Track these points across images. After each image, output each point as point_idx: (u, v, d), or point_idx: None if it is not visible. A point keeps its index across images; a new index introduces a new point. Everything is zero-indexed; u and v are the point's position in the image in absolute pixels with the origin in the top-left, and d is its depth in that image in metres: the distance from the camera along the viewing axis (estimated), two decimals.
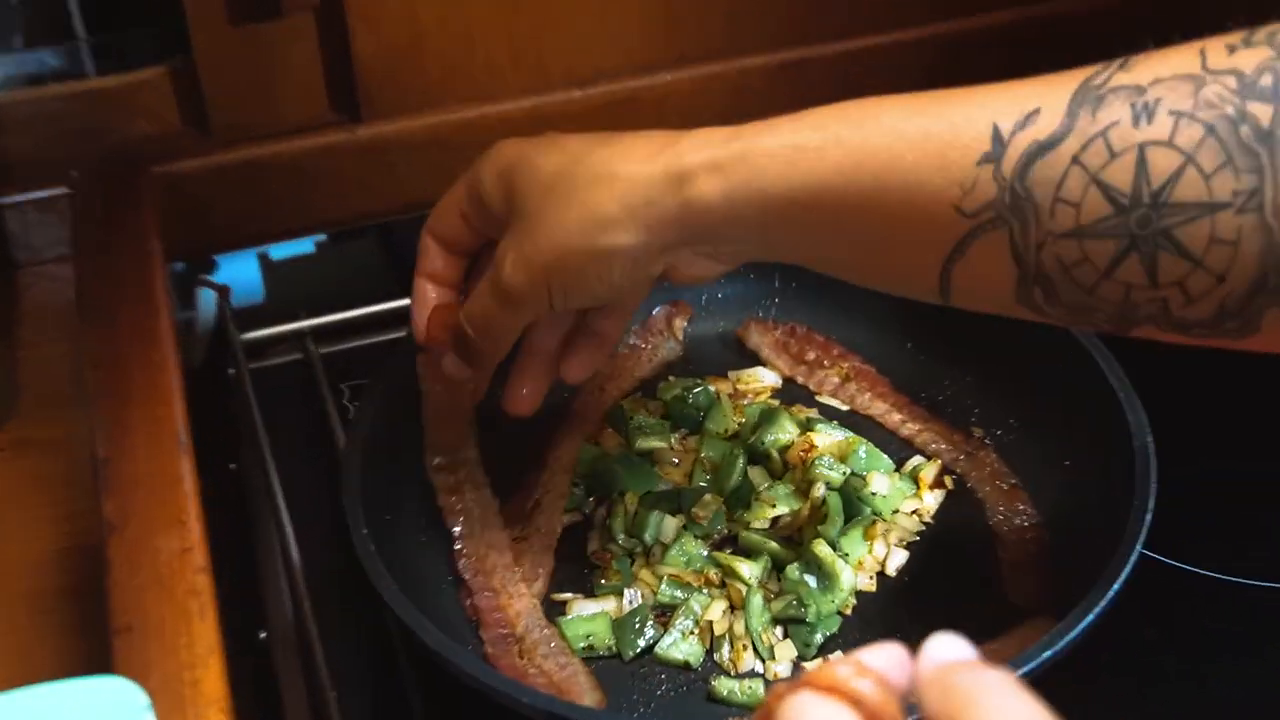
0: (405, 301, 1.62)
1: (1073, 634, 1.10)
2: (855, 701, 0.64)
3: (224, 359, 1.61)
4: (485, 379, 1.22)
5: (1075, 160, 0.88)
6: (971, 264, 0.96)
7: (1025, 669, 1.07)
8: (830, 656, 1.23)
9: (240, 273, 1.77)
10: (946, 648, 0.68)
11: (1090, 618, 1.11)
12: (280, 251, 1.79)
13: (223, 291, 1.70)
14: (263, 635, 1.35)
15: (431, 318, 1.22)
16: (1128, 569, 1.14)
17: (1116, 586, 1.13)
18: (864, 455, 1.37)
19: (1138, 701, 1.24)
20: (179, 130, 1.60)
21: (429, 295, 1.20)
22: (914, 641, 1.19)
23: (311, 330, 1.63)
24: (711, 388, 1.48)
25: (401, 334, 1.45)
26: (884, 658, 0.67)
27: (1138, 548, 1.16)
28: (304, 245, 1.80)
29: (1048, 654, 1.08)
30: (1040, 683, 1.07)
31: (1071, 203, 0.89)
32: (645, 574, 1.31)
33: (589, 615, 1.27)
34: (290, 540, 1.36)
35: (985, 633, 1.24)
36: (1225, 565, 1.31)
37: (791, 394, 1.51)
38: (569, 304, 1.10)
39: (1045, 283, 0.93)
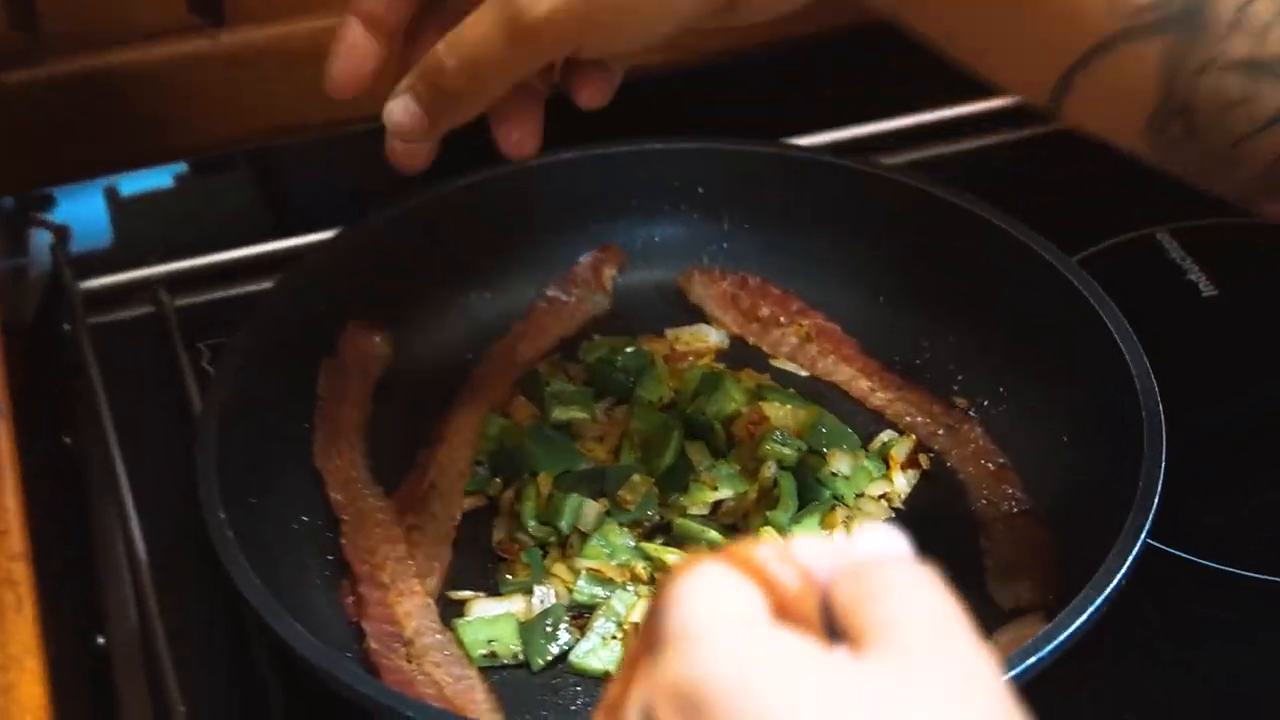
0: (281, 243, 1.66)
1: (1065, 635, 1.11)
2: (768, 586, 0.64)
3: (59, 312, 1.61)
4: (436, 138, 1.13)
5: None
6: (1106, 73, 0.91)
7: (1007, 675, 1.08)
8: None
9: (83, 211, 1.76)
10: (877, 540, 0.67)
11: (1085, 616, 1.12)
12: (131, 185, 1.79)
13: (59, 233, 1.69)
14: (100, 640, 1.35)
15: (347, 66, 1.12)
16: (1129, 562, 1.16)
17: (1116, 581, 1.15)
18: (824, 429, 1.38)
19: (1131, 696, 1.27)
20: (2, 35, 1.59)
21: (358, 41, 1.09)
22: None
23: (165, 278, 1.63)
24: (644, 348, 1.48)
25: (272, 282, 1.46)
26: (817, 551, 0.66)
27: (1142, 538, 1.18)
28: (159, 178, 1.80)
29: (1033, 659, 1.10)
30: (1027, 688, 1.10)
31: (1256, 26, 0.85)
32: (560, 568, 1.31)
33: (491, 617, 1.28)
34: (134, 527, 1.36)
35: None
36: (1229, 556, 1.34)
37: (741, 357, 1.52)
38: (613, 47, 1.03)
39: (1188, 118, 0.90)
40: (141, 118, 1.64)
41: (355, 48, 1.09)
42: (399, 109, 1.07)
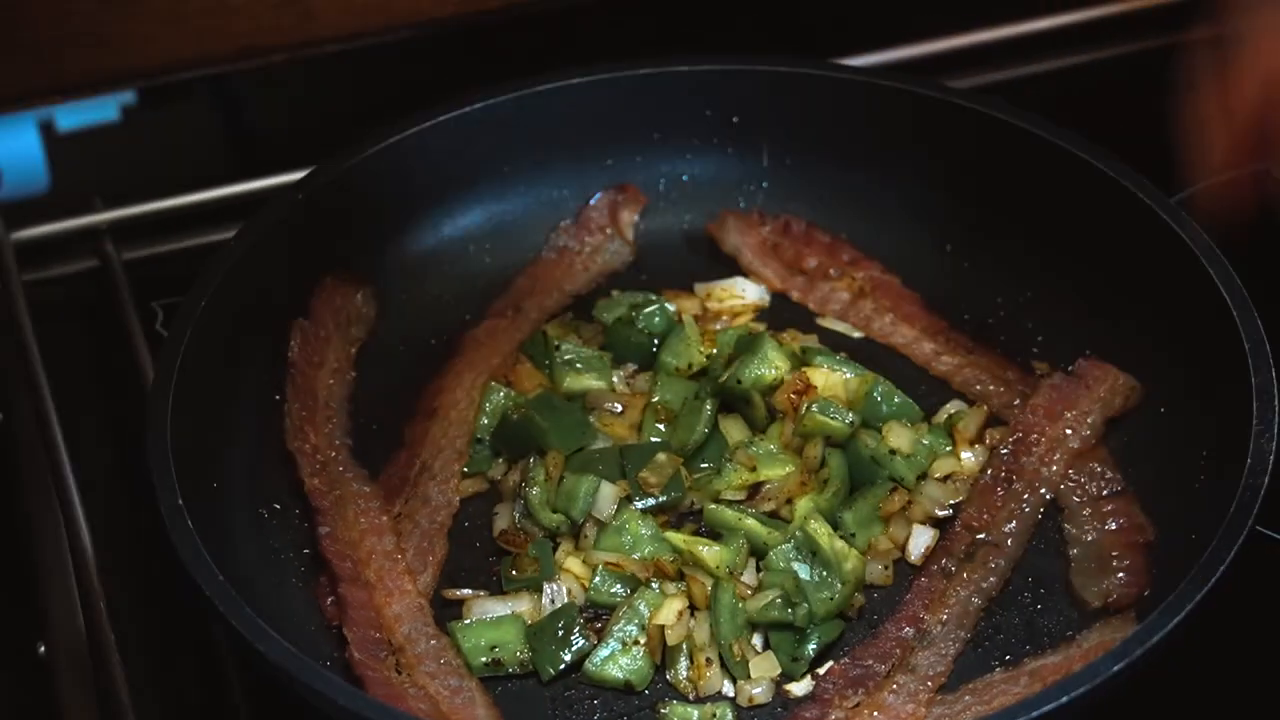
0: (245, 185, 1.67)
1: (1160, 635, 1.13)
2: None
3: None
4: None
5: None
6: None
7: (1084, 686, 1.10)
8: (823, 670, 1.26)
9: (15, 149, 1.77)
10: None
11: (1183, 615, 1.14)
12: (71, 118, 1.80)
13: None
14: (41, 649, 1.37)
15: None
16: (1234, 551, 1.17)
17: (1219, 574, 1.16)
18: (880, 399, 1.39)
19: (1235, 704, 1.29)
20: None
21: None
22: (947, 659, 1.24)
23: (111, 226, 1.65)
24: (670, 306, 1.49)
25: (234, 231, 1.47)
26: None
27: (1249, 524, 1.19)
28: (104, 109, 1.81)
29: (1123, 664, 1.11)
30: (1119, 695, 1.12)
31: None
32: (573, 562, 1.33)
33: (494, 619, 1.29)
34: (78, 517, 1.38)
35: (1039, 641, 1.28)
36: None
37: (784, 315, 1.53)
38: None
39: None
40: (81, 29, 1.65)
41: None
42: None
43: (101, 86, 1.75)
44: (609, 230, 1.58)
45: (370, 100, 1.85)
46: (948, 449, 1.40)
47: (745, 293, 1.54)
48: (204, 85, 1.83)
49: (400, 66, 1.89)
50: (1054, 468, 1.37)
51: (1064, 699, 1.10)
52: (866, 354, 1.49)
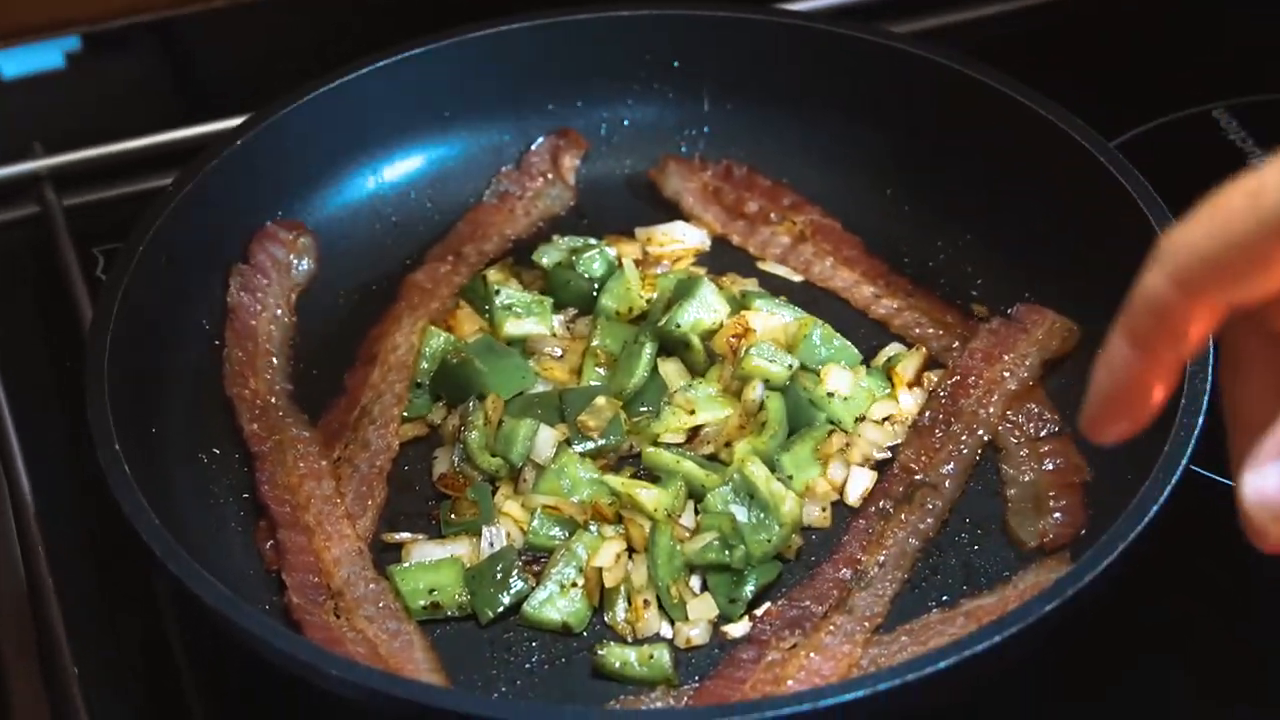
0: (186, 131, 1.66)
1: (1094, 574, 1.13)
2: None
3: None
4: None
5: None
6: None
7: (1016, 627, 1.10)
8: (760, 612, 1.26)
9: None
10: None
11: (1117, 554, 1.14)
12: (15, 64, 1.79)
13: None
14: None
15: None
16: (1168, 491, 1.17)
17: (1152, 514, 1.16)
18: (818, 342, 1.39)
19: (1172, 644, 1.30)
20: None
21: (1128, 368, 0.94)
22: (884, 600, 1.24)
23: (51, 173, 1.64)
24: (611, 250, 1.49)
25: (171, 177, 1.46)
26: None
27: (1183, 463, 1.19)
28: (48, 55, 1.79)
29: (1057, 603, 1.11)
30: (1048, 635, 1.12)
31: None
32: (512, 506, 1.33)
33: (433, 562, 1.29)
34: (18, 466, 1.38)
35: (976, 582, 1.28)
36: None
37: (723, 259, 1.53)
38: None
39: None
40: None
41: (1123, 382, 0.95)
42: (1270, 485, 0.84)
43: (42, 32, 1.74)
44: (550, 175, 1.58)
45: (316, 46, 1.83)
46: (886, 392, 1.40)
47: (685, 237, 1.54)
48: (149, 32, 1.81)
49: (349, 12, 1.88)
50: (992, 410, 1.37)
51: (996, 638, 1.10)
52: (806, 298, 1.48)
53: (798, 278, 1.51)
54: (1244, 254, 0.81)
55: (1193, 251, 0.83)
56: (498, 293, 1.45)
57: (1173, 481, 1.18)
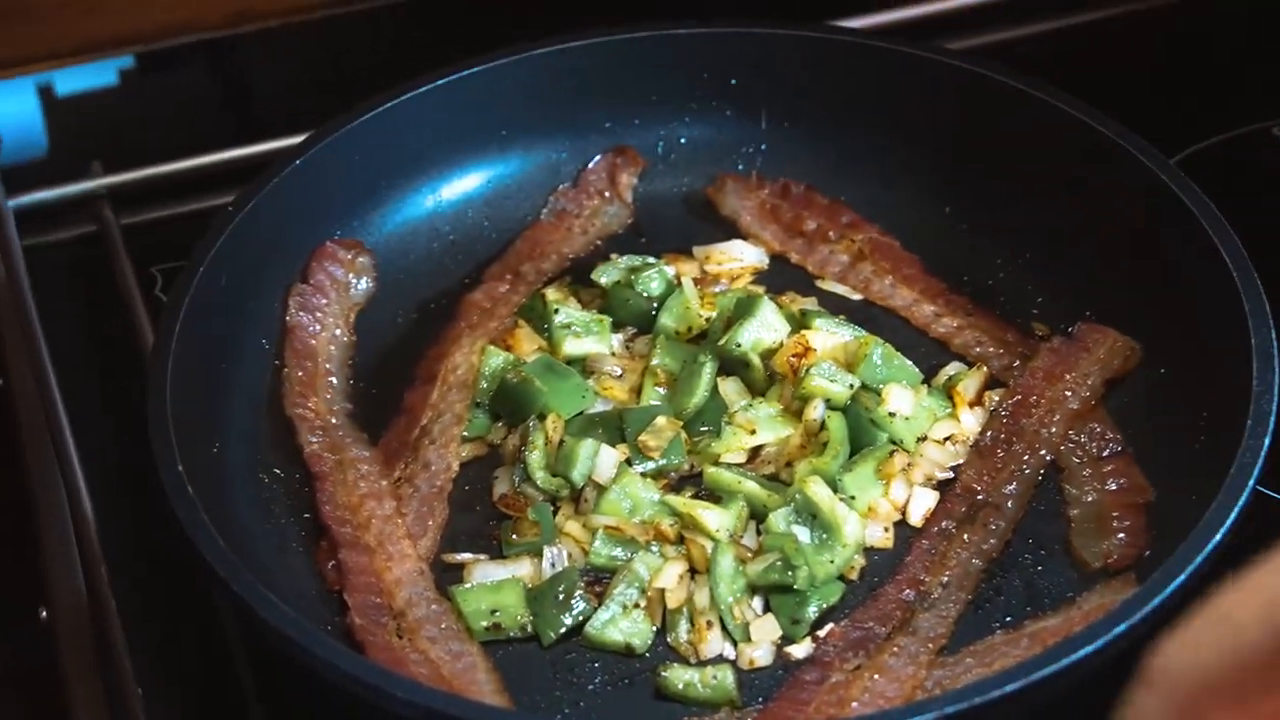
0: (243, 150, 1.67)
1: (1161, 598, 1.12)
2: None
3: None
4: None
5: None
6: None
7: (1085, 650, 1.10)
8: (823, 633, 1.26)
9: (13, 113, 1.77)
10: None
11: (1184, 576, 1.14)
12: (69, 82, 1.80)
13: None
14: (43, 614, 1.36)
15: None
16: (1235, 513, 1.17)
17: (1219, 536, 1.16)
18: (879, 361, 1.39)
19: None
20: None
21: None
22: (947, 621, 1.24)
23: (110, 191, 1.64)
24: (669, 269, 1.49)
25: (228, 196, 1.47)
26: None
27: (1250, 484, 1.19)
28: (103, 73, 1.81)
29: (1123, 627, 1.11)
30: (1118, 660, 1.12)
31: None
32: (573, 526, 1.33)
33: (495, 583, 1.29)
34: (79, 483, 1.38)
35: (1040, 603, 1.28)
36: None
37: (783, 278, 1.53)
38: None
39: None
40: (75, 1, 1.65)
41: None
42: None
43: (97, 52, 1.75)
44: (607, 193, 1.58)
45: (370, 64, 1.84)
46: (947, 411, 1.40)
47: (744, 255, 1.54)
48: (202, 50, 1.82)
49: (401, 30, 1.88)
50: (1053, 429, 1.37)
51: (1065, 661, 1.10)
52: (866, 316, 1.48)
53: (856, 296, 1.51)
54: (1257, 674, 0.68)
55: (1193, 670, 0.69)
56: (556, 312, 1.45)
57: (1240, 502, 1.18)
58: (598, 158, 1.59)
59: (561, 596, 1.28)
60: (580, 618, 1.27)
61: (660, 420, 1.37)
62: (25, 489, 1.45)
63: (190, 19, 1.71)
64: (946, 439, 1.38)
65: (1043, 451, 1.36)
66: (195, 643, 1.33)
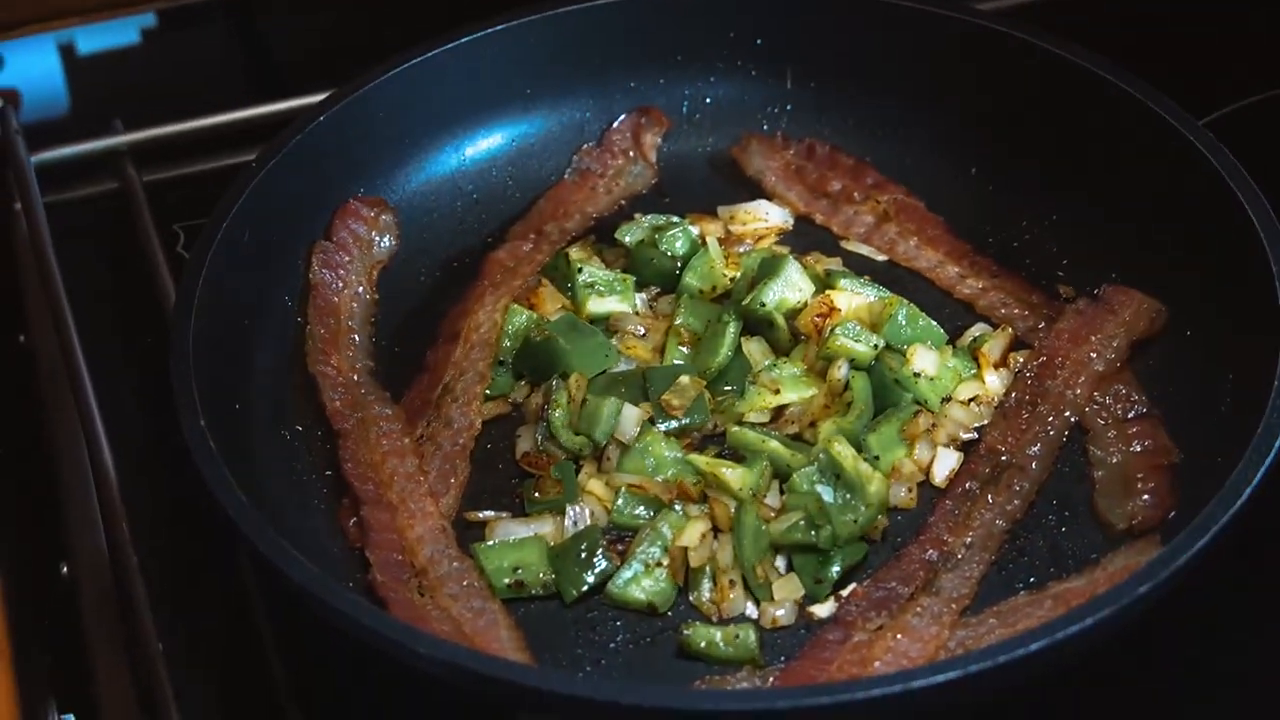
0: (265, 108, 1.67)
1: (1186, 557, 1.12)
2: None
3: (8, 189, 1.63)
4: None
5: None
6: None
7: (1108, 609, 1.10)
8: (846, 593, 1.26)
9: (35, 71, 1.77)
10: None
11: (1210, 536, 1.13)
12: (91, 41, 1.80)
13: (9, 98, 1.70)
14: (64, 569, 1.37)
15: None
16: (1262, 472, 1.17)
17: (1245, 496, 1.16)
18: (904, 322, 1.39)
19: (1269, 630, 1.29)
20: None
21: None
22: (971, 581, 1.24)
23: (132, 148, 1.64)
24: (694, 229, 1.49)
25: (250, 153, 1.47)
26: None
27: (1277, 446, 1.19)
28: (124, 31, 1.81)
29: (1148, 586, 1.11)
30: (1144, 619, 1.12)
31: None
32: (595, 485, 1.33)
33: (517, 540, 1.30)
34: (100, 439, 1.38)
35: (1064, 564, 1.28)
36: None
37: (807, 238, 1.53)
38: None
39: None
40: None
41: None
42: None
43: (119, 8, 1.75)
44: (631, 153, 1.58)
45: (393, 22, 1.84)
46: (972, 372, 1.40)
47: (769, 216, 1.54)
48: (223, 7, 1.83)
49: None
50: (1078, 391, 1.36)
51: (1088, 621, 1.10)
52: (890, 277, 1.48)
53: (881, 257, 1.51)
54: None
55: None
56: (580, 271, 1.45)
57: (1266, 464, 1.18)
58: (622, 117, 1.59)
59: (584, 555, 1.28)
60: (602, 576, 1.27)
61: (684, 379, 1.37)
62: (48, 446, 1.46)
63: None
64: (971, 400, 1.38)
65: (1067, 413, 1.36)
66: (216, 599, 1.33)
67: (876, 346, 1.37)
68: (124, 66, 1.81)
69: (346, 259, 1.47)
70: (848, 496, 1.29)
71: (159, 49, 1.82)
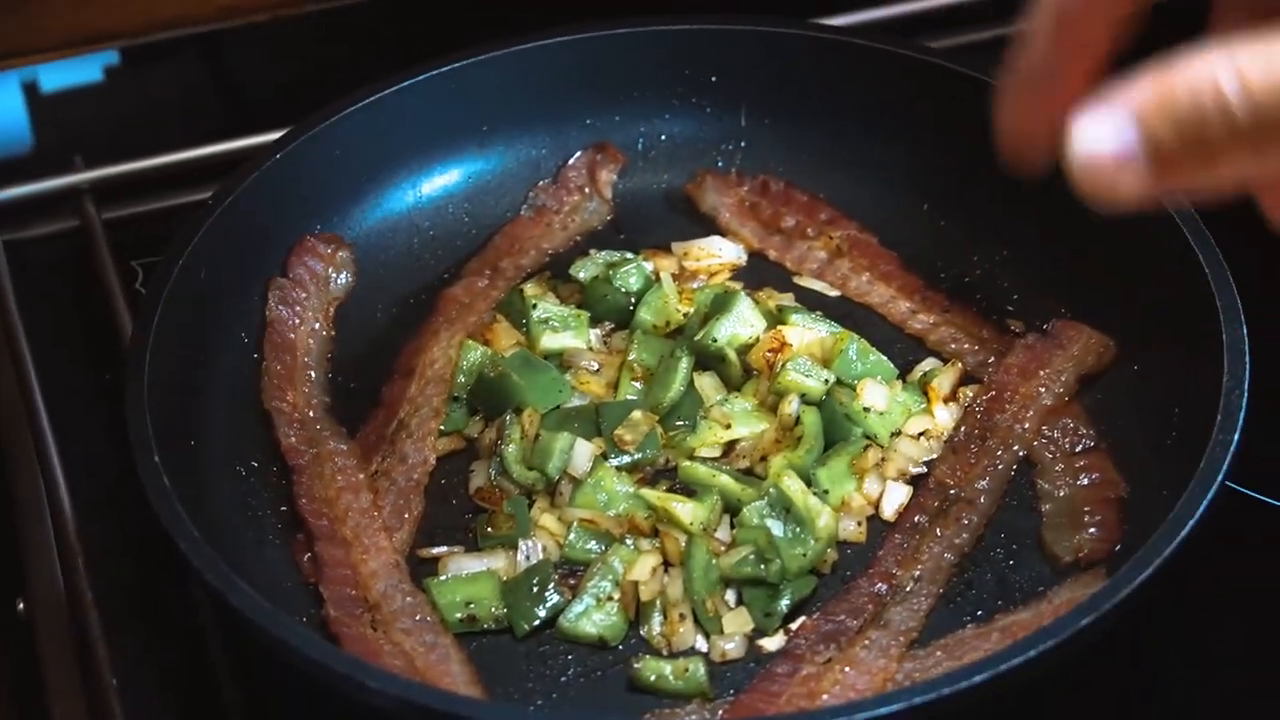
0: (225, 145, 1.68)
1: (1129, 590, 1.13)
2: None
3: None
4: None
5: None
6: None
7: (1051, 642, 1.11)
8: (795, 626, 1.27)
9: None
10: None
11: (1153, 569, 1.14)
12: (55, 79, 1.80)
13: None
14: (20, 605, 1.38)
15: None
16: (1203, 507, 1.18)
17: (1187, 530, 1.17)
18: (854, 357, 1.40)
19: (1207, 659, 1.30)
20: None
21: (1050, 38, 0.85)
22: (919, 614, 1.25)
23: (91, 186, 1.65)
24: (648, 265, 1.51)
25: (211, 190, 1.48)
26: None
27: (1218, 479, 1.20)
28: (87, 69, 1.81)
29: (1092, 618, 1.12)
30: (1089, 650, 1.13)
31: None
32: (548, 520, 1.34)
33: (469, 575, 1.31)
34: (58, 477, 1.39)
35: (1011, 597, 1.29)
36: None
37: (761, 274, 1.54)
38: None
39: None
40: None
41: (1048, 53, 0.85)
42: (1107, 135, 0.77)
43: (83, 46, 1.76)
44: (587, 189, 1.60)
45: (357, 60, 1.85)
46: (922, 407, 1.41)
47: (722, 252, 1.55)
48: (188, 45, 1.83)
49: (388, 27, 1.89)
50: (1027, 425, 1.38)
51: (1031, 653, 1.11)
52: (843, 313, 1.50)
53: (834, 293, 1.52)
54: None
55: None
56: (535, 307, 1.46)
57: (1208, 497, 1.19)
58: (578, 154, 1.61)
59: (536, 589, 1.29)
60: (554, 610, 1.28)
61: (636, 414, 1.38)
62: (4, 482, 1.47)
63: (173, 15, 1.72)
64: (920, 434, 1.39)
65: (1016, 447, 1.37)
66: (172, 635, 1.34)
67: (827, 381, 1.38)
68: (86, 104, 1.81)
69: (303, 295, 1.48)
70: (797, 530, 1.30)
71: (121, 87, 1.82)
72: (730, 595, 1.29)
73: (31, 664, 1.34)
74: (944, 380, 1.42)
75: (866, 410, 1.38)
